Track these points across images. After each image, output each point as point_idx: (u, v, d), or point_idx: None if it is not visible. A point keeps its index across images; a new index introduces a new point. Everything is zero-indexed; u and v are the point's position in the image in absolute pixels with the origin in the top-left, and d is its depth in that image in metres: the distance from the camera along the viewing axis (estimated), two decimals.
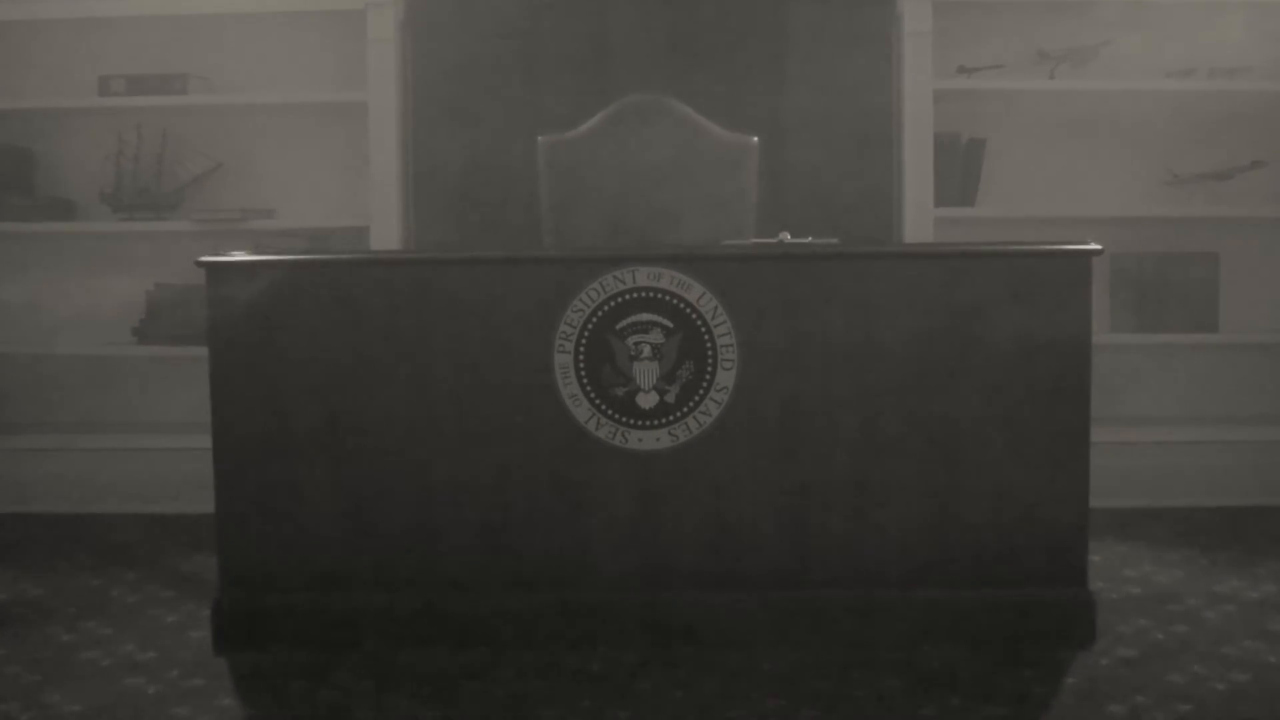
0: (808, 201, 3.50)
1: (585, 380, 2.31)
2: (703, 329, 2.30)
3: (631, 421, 2.31)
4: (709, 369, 2.30)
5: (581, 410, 2.31)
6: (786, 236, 2.47)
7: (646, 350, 2.31)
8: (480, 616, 2.34)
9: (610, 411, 2.31)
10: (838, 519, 2.32)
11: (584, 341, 2.30)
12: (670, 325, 2.30)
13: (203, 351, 2.38)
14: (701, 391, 2.30)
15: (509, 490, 2.33)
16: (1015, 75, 3.62)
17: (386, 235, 3.53)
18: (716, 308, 2.30)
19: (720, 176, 2.88)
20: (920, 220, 3.52)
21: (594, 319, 2.30)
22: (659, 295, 2.30)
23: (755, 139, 2.95)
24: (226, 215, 3.61)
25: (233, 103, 3.66)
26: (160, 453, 3.57)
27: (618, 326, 2.30)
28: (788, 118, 3.54)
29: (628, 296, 2.30)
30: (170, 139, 3.68)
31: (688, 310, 2.30)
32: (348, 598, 2.36)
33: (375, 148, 3.53)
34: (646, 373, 2.30)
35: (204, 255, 2.38)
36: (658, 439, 2.31)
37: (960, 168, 3.63)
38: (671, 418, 2.31)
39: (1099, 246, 2.31)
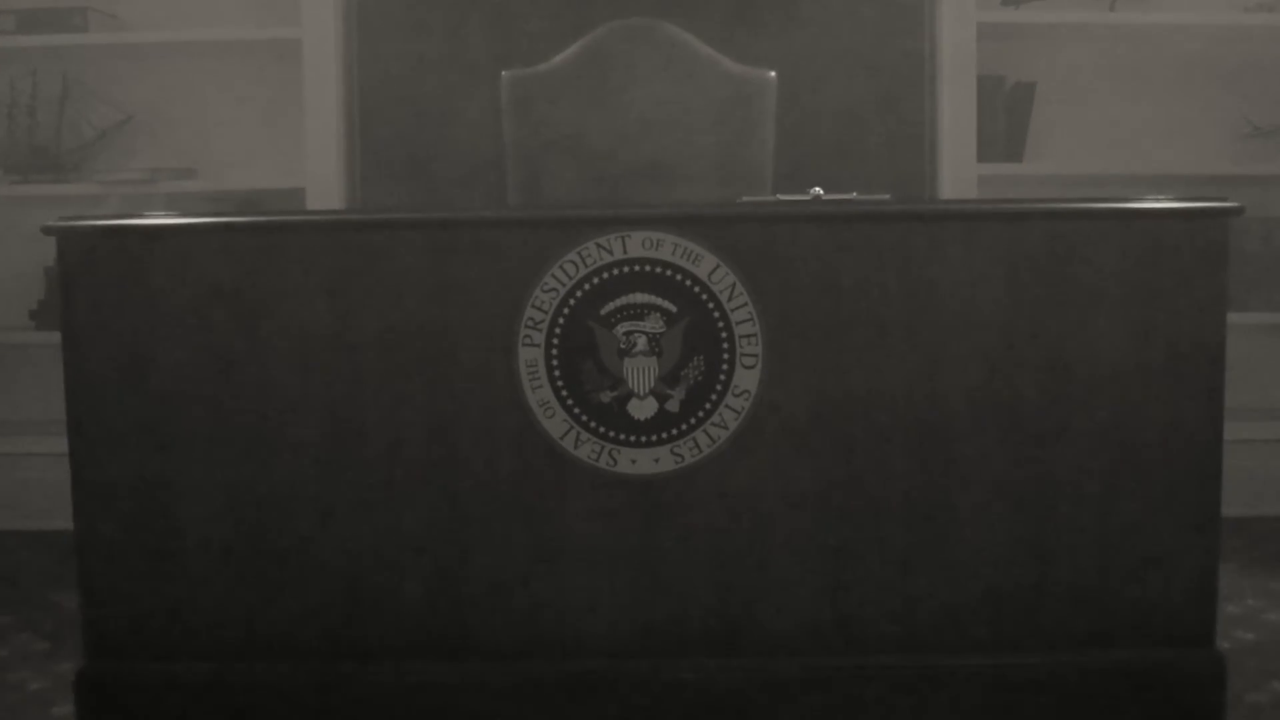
0: (822, 155, 2.97)
1: (560, 383, 1.75)
2: (716, 313, 1.74)
3: (622, 437, 1.75)
4: (724, 367, 1.74)
5: (555, 423, 1.75)
6: (819, 193, 1.90)
7: (642, 342, 1.75)
8: (426, 693, 1.79)
9: (594, 424, 1.75)
10: (894, 563, 1.77)
11: (558, 331, 1.74)
12: (673, 309, 1.74)
13: None
14: (715, 397, 1.75)
15: (461, 530, 1.78)
16: (1069, 8, 3.12)
17: (326, 198, 3.01)
18: (734, 285, 1.74)
19: (730, 119, 2.32)
20: (960, 178, 3.02)
21: (572, 300, 1.74)
22: (658, 269, 1.74)
23: (772, 74, 2.39)
24: (138, 176, 3.10)
25: (143, 42, 3.13)
26: (62, 458, 3.02)
27: (603, 311, 1.74)
28: (802, 55, 2.98)
29: (617, 271, 1.74)
30: (71, 86, 3.18)
31: (696, 289, 1.74)
32: (251, 670, 1.80)
33: (311, 95, 3.03)
34: (642, 372, 1.75)
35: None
36: (657, 460, 1.75)
37: (1005, 116, 3.14)
38: (675, 432, 1.75)
39: (1237, 204, 1.77)
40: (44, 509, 3.03)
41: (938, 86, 3.04)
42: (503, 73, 2.41)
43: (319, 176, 3.01)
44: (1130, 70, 3.20)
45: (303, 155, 3.05)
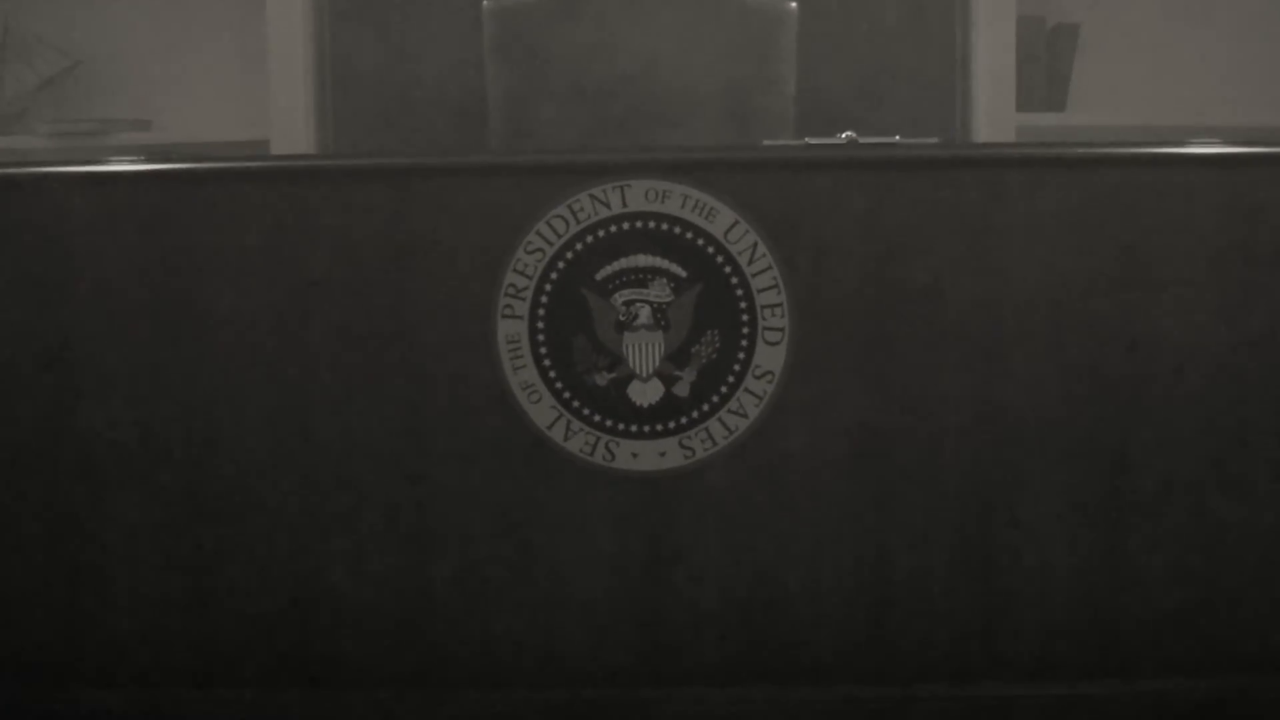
0: (843, 100, 2.68)
1: (548, 362, 1.47)
2: (734, 279, 1.46)
3: (621, 427, 1.47)
4: (743, 343, 1.46)
5: (542, 410, 1.47)
6: (852, 137, 1.61)
7: (645, 314, 1.46)
8: None
9: (588, 411, 1.47)
10: (946, 578, 1.49)
11: (545, 300, 1.46)
12: (682, 274, 1.45)
13: None
14: (732, 379, 1.46)
15: (430, 536, 1.50)
16: None
17: (293, 150, 2.73)
18: (755, 245, 1.45)
19: (746, 55, 2.03)
20: (998, 129, 2.74)
21: (561, 263, 1.46)
22: (664, 226, 1.45)
23: (793, 3, 2.10)
24: (87, 127, 2.85)
25: None
26: None
27: (599, 276, 1.46)
28: None
29: (615, 228, 1.45)
30: (13, 30, 2.91)
31: (710, 249, 1.45)
32: (183, 697, 1.54)
33: (276, 34, 2.75)
34: (645, 349, 1.47)
35: None
36: (663, 454, 1.47)
37: (1046, 61, 2.88)
38: (684, 420, 1.47)
39: None
40: None
41: (972, 27, 2.76)
42: (484, 2, 2.12)
43: (285, 126, 2.73)
44: (1185, 10, 2.92)
45: (267, 103, 2.77)
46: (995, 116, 2.74)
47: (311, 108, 2.77)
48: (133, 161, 1.55)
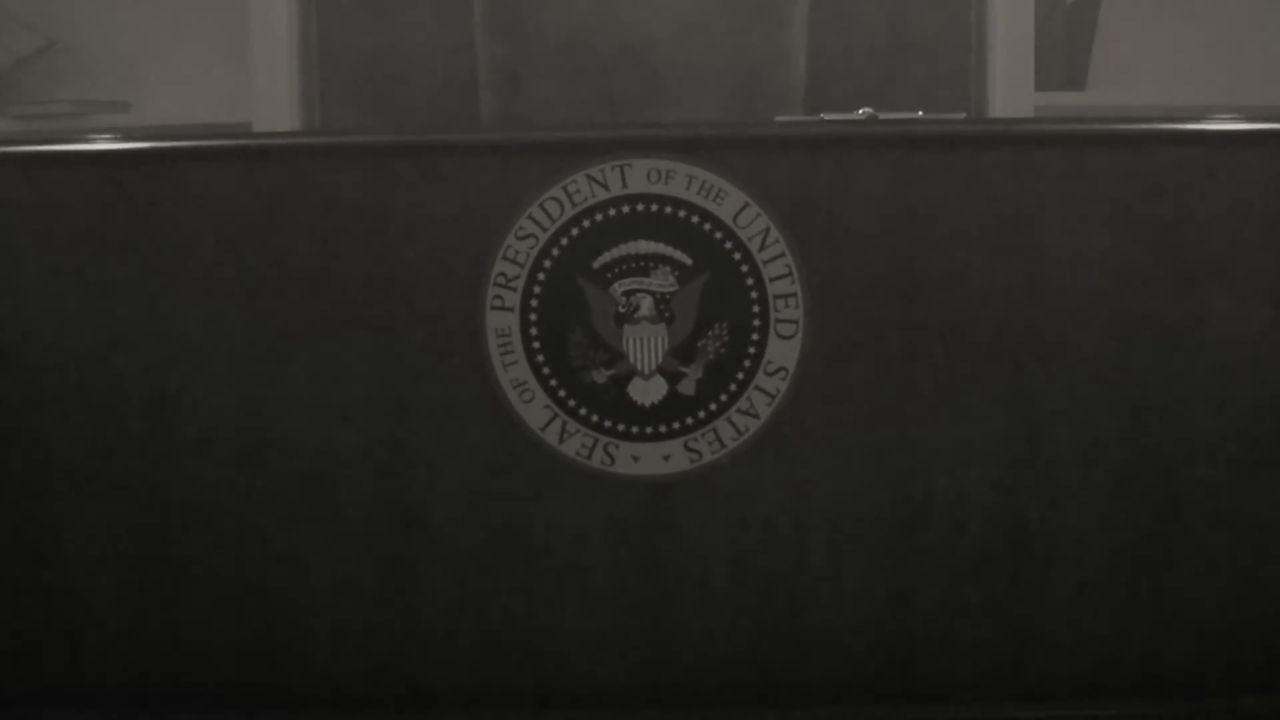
0: (853, 79, 2.58)
1: (541, 358, 1.35)
2: (744, 267, 1.34)
3: (621, 428, 1.36)
4: (754, 336, 1.35)
5: (535, 410, 1.36)
6: (871, 114, 1.50)
7: (647, 305, 1.35)
8: None
9: (585, 411, 1.36)
10: (969, 590, 1.39)
11: (538, 290, 1.35)
12: (688, 261, 1.34)
13: None
14: (742, 376, 1.35)
15: (413, 547, 1.40)
16: None
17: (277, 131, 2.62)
18: (768, 230, 1.34)
19: (755, 28, 1.93)
20: (1016, 108, 2.64)
21: (555, 250, 1.35)
22: (668, 209, 1.34)
23: None
24: (63, 109, 2.77)
25: None
26: None
27: (597, 264, 1.35)
28: None
29: (614, 211, 1.34)
30: None
31: (718, 235, 1.34)
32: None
33: (259, 12, 2.66)
34: (647, 343, 1.36)
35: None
36: (666, 457, 1.36)
37: (1064, 38, 2.78)
38: (690, 421, 1.36)
39: None
40: None
41: (989, 3, 2.66)
42: None
43: (268, 107, 2.63)
44: None
45: (250, 83, 2.66)
46: (1013, 95, 2.64)
47: (296, 88, 2.66)
48: (98, 140, 1.44)
